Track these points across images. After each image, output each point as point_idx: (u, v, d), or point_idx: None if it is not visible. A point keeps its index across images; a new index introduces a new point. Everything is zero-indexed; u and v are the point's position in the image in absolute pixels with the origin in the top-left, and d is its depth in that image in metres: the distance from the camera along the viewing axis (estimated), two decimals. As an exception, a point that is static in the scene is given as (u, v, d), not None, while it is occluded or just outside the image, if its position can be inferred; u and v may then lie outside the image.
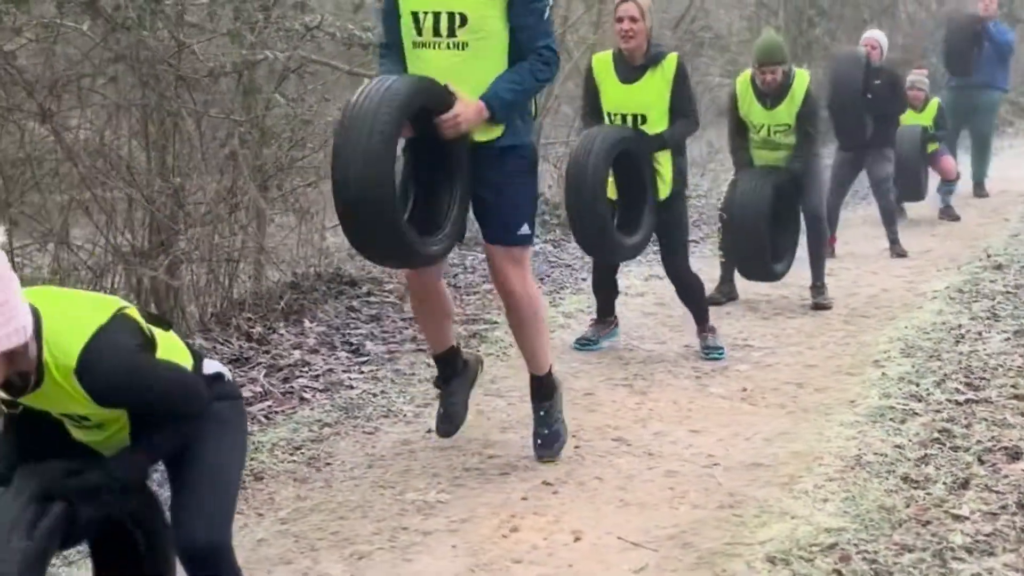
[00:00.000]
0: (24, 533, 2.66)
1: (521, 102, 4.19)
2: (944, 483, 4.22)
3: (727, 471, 4.50)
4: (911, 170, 9.85)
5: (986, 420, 4.82)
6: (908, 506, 4.04)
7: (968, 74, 11.34)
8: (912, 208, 10.44)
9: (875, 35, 9.24)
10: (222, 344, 5.89)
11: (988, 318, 6.52)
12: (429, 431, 4.85)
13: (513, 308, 4.44)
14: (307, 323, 6.39)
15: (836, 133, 8.98)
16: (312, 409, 5.28)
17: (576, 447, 4.78)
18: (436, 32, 4.06)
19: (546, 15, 4.18)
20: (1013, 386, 5.23)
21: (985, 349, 5.87)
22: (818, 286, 7.27)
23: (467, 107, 4.01)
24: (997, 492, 4.12)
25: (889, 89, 8.81)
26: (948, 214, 10.62)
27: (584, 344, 6.25)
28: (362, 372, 5.83)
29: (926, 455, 4.48)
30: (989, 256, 8.35)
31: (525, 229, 4.32)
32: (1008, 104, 16.03)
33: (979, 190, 11.98)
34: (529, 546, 3.92)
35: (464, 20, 4.04)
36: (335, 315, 6.64)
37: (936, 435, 4.68)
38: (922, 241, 9.40)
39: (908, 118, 9.74)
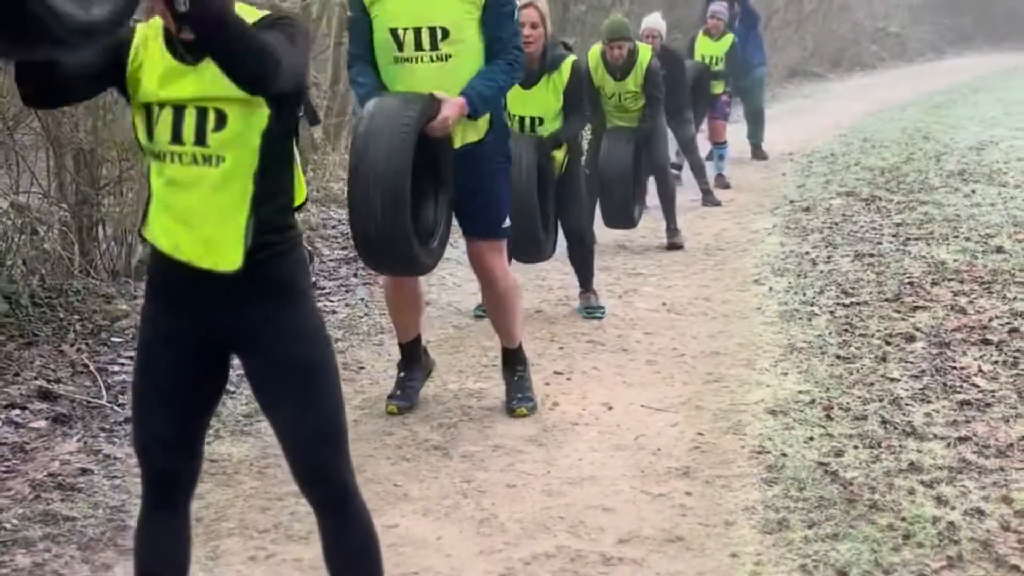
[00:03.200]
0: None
1: (496, 98, 4.43)
2: (869, 359, 5.41)
3: (694, 359, 5.56)
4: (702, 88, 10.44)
5: (873, 316, 6.07)
6: (851, 374, 5.19)
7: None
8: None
9: (653, 24, 9.33)
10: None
11: (827, 246, 7.85)
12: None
13: (495, 293, 4.75)
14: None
15: None
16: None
17: (560, 347, 5.71)
18: (419, 47, 4.26)
19: (515, 19, 4.44)
20: (880, 292, 6.52)
21: (839, 268, 7.17)
22: (672, 228, 8.29)
23: (451, 106, 4.20)
24: (911, 362, 5.34)
25: (675, 73, 9.04)
26: (721, 182, 11.04)
27: None
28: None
29: (844, 340, 5.68)
30: (792, 202, 9.76)
31: (506, 223, 4.65)
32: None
33: (758, 152, 12.80)
34: (575, 414, 4.85)
35: (446, 33, 4.25)
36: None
37: (843, 327, 5.89)
38: (720, 196, 10.62)
39: (703, 46, 10.69)
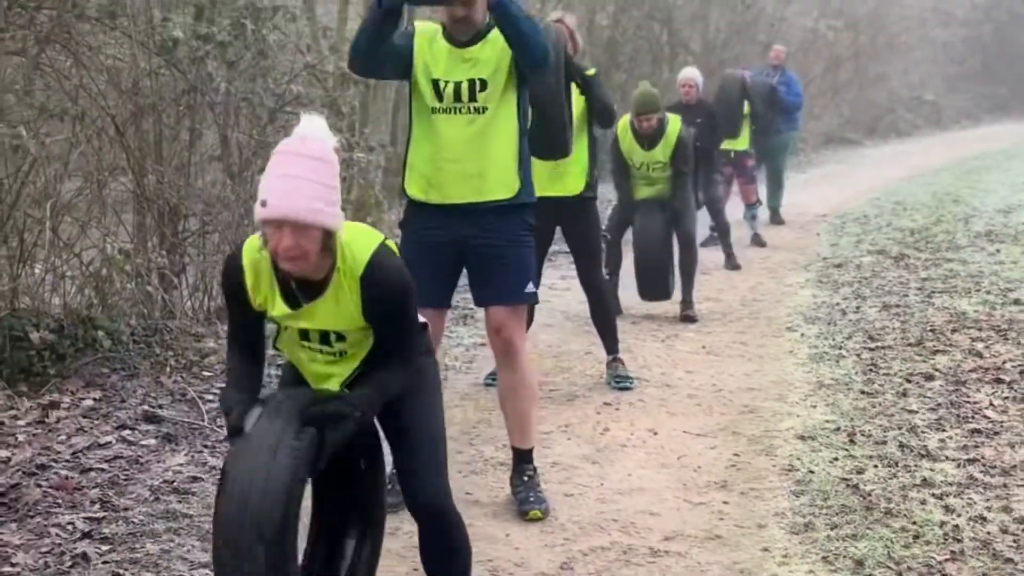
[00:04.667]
0: (287, 451, 2.85)
1: (522, 19, 4.17)
2: (890, 394, 5.95)
3: (731, 393, 6.12)
4: (732, 114, 10.70)
5: (896, 358, 6.62)
6: (874, 407, 5.74)
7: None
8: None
9: (690, 75, 9.73)
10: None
11: (856, 298, 8.41)
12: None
13: (514, 369, 4.53)
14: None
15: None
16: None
17: (606, 381, 6.29)
18: (457, 98, 4.25)
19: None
20: (903, 338, 7.07)
21: (867, 317, 7.73)
22: (688, 301, 8.12)
23: None
24: (929, 397, 5.88)
25: (708, 123, 9.57)
26: (757, 241, 11.57)
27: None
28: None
29: (868, 378, 6.23)
30: (824, 259, 10.33)
31: (530, 287, 4.47)
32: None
33: (775, 216, 13.08)
34: (623, 438, 5.42)
35: (484, 85, 4.26)
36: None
37: (868, 367, 6.44)
38: (755, 253, 11.20)
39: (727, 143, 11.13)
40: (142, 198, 7.42)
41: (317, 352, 3.15)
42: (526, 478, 4.63)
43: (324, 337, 3.10)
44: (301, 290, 3.01)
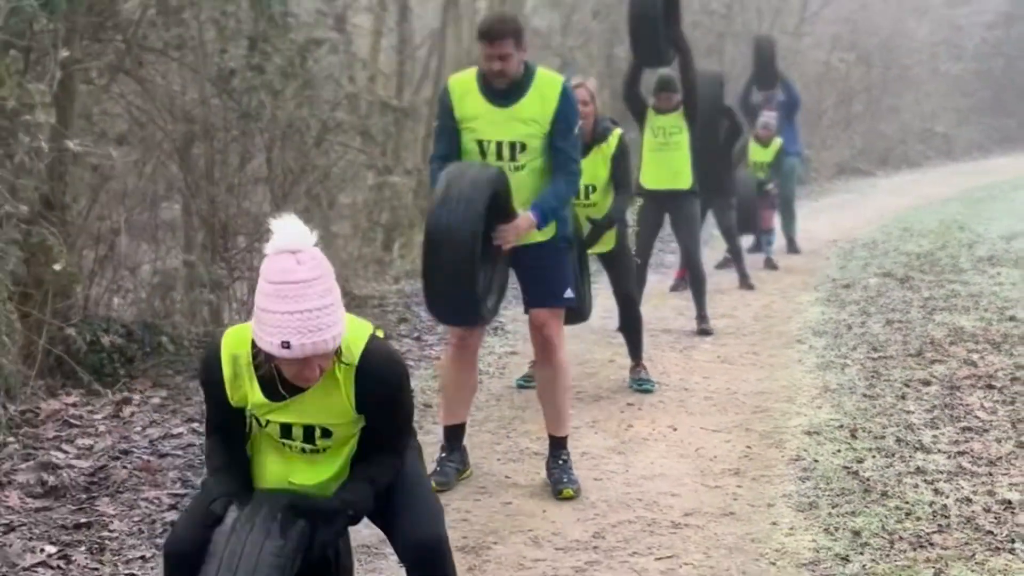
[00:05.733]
0: (278, 535, 2.86)
1: (560, 209, 4.96)
2: (890, 397, 6.49)
3: (744, 396, 6.66)
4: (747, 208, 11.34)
5: (897, 367, 7.16)
6: (875, 408, 6.28)
7: (773, 86, 12.33)
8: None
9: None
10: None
11: (862, 315, 8.96)
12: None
13: (551, 365, 5.11)
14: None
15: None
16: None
17: (628, 384, 6.84)
18: (499, 157, 4.84)
19: (575, 135, 4.94)
20: (904, 350, 7.61)
21: (872, 331, 8.27)
22: (703, 316, 8.59)
23: (523, 219, 4.80)
24: (925, 400, 6.42)
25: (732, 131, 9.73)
26: (769, 264, 12.00)
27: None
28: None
29: (870, 383, 6.77)
30: (833, 280, 10.88)
31: (568, 293, 5.10)
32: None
33: (792, 246, 13.33)
34: (646, 433, 5.97)
35: (524, 147, 4.85)
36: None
37: (870, 375, 6.98)
38: (768, 275, 11.70)
39: (755, 152, 11.65)
40: (197, 216, 8.02)
41: (299, 451, 3.08)
42: (561, 462, 5.15)
43: (308, 433, 3.03)
44: (285, 384, 2.94)
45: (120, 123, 7.67)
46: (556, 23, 17.33)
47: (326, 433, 3.02)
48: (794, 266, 12.17)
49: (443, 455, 5.21)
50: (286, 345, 2.74)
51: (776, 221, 12.44)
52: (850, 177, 24.02)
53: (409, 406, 3.16)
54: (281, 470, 3.11)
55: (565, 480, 5.07)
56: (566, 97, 4.88)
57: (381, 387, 2.96)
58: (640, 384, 6.86)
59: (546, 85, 4.88)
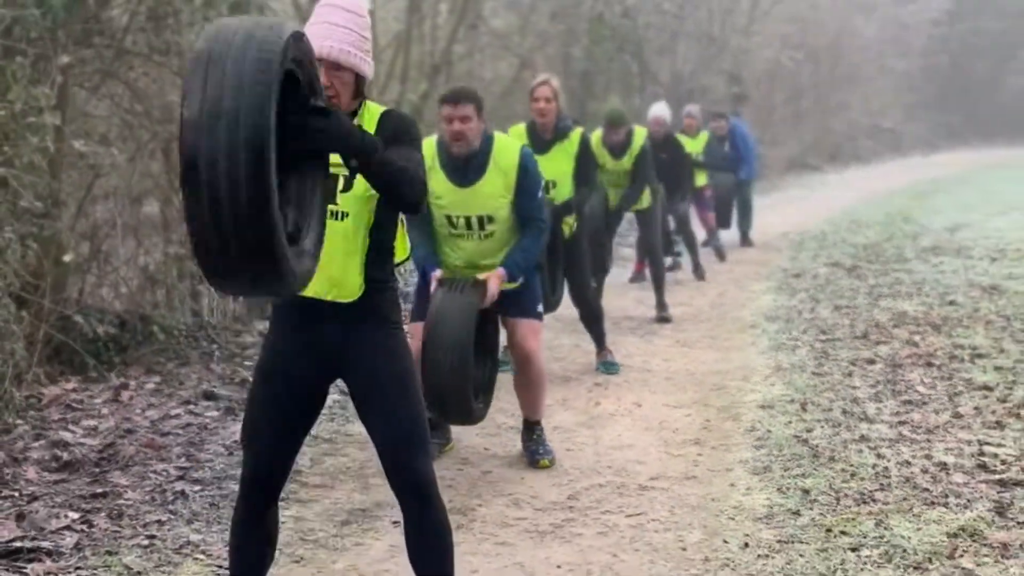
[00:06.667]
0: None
1: (529, 263, 5.30)
2: (838, 374, 7.00)
3: (702, 375, 7.16)
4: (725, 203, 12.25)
5: (844, 348, 7.67)
6: (823, 384, 6.78)
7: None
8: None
9: (659, 112, 10.24)
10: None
11: (811, 301, 9.49)
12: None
13: (529, 371, 5.48)
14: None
15: None
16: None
17: (595, 369, 7.31)
18: (468, 227, 5.23)
19: (539, 196, 5.28)
20: (851, 332, 8.13)
21: (821, 316, 8.80)
22: (661, 303, 9.11)
23: (494, 281, 5.11)
24: (870, 376, 6.93)
25: (676, 157, 10.21)
26: (719, 254, 12.48)
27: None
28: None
29: (819, 363, 7.28)
30: (784, 270, 11.41)
31: (540, 308, 5.53)
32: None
33: (746, 239, 14.00)
34: (613, 409, 6.44)
35: (491, 219, 5.21)
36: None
37: (819, 355, 7.49)
38: (720, 267, 12.23)
39: (686, 144, 11.87)
40: (178, 213, 8.37)
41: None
42: (535, 436, 5.61)
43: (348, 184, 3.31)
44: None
45: (108, 124, 8.02)
46: (514, 24, 17.79)
47: (348, 184, 3.29)
48: (746, 257, 12.72)
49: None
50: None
51: (729, 219, 12.89)
52: (800, 172, 24.70)
53: (418, 156, 3.28)
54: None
55: (541, 451, 5.52)
56: (524, 166, 5.16)
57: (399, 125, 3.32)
58: (607, 367, 7.32)
59: (503, 157, 5.14)
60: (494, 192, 5.15)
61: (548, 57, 17.68)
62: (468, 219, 5.20)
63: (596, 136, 8.62)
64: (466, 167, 5.13)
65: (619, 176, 8.64)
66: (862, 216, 16.05)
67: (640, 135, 8.62)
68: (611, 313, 9.03)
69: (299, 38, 2.68)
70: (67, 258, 5.59)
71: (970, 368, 7.02)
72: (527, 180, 5.18)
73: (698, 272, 11.28)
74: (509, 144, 5.22)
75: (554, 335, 8.30)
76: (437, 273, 5.24)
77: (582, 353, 7.75)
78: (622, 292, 10.16)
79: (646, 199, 8.74)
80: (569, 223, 6.83)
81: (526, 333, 5.42)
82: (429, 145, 5.14)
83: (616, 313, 9.18)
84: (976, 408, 6.19)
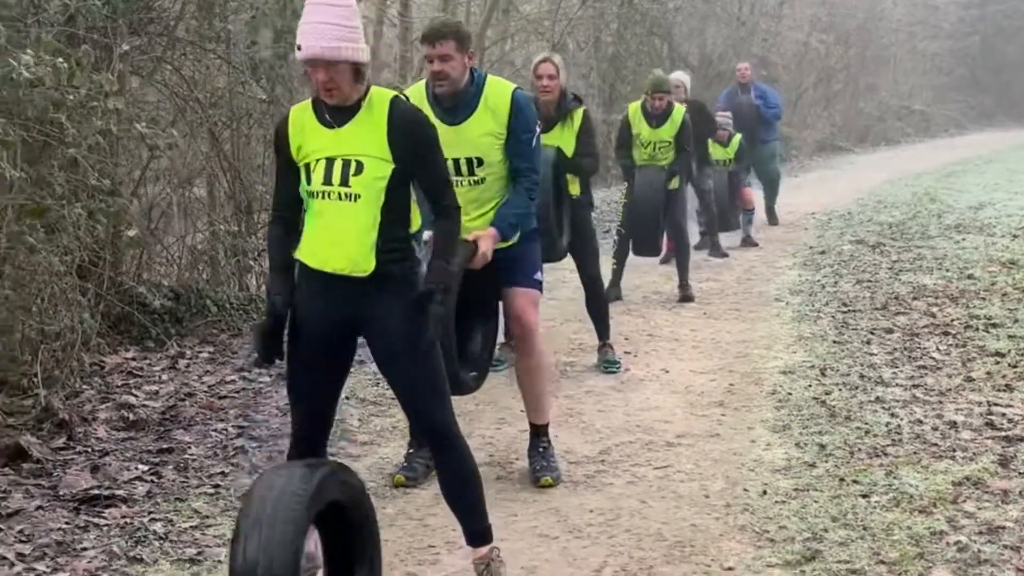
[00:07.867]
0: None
1: (521, 221, 4.84)
2: (857, 342, 7.33)
3: (728, 344, 7.51)
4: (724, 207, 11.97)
5: (864, 319, 8.01)
6: (843, 351, 7.12)
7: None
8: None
9: (678, 76, 10.62)
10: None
11: (834, 276, 9.82)
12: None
13: (527, 348, 5.05)
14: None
15: None
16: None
17: (625, 338, 7.67)
18: (458, 171, 4.73)
19: (533, 146, 4.84)
20: (872, 304, 8.46)
21: (843, 290, 9.13)
22: (684, 284, 9.22)
23: (486, 241, 4.58)
24: (887, 344, 7.27)
25: (698, 115, 10.18)
26: (748, 242, 12.41)
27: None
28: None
29: (840, 332, 7.62)
30: (810, 248, 11.73)
31: (539, 275, 5.03)
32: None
33: (771, 217, 14.19)
34: (642, 375, 6.81)
35: (481, 161, 4.78)
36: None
37: (840, 325, 7.83)
38: (746, 252, 12.40)
39: (716, 152, 11.93)
40: (225, 194, 8.80)
41: (336, 199, 3.54)
42: (541, 449, 5.16)
43: (344, 174, 3.53)
44: (332, 112, 3.53)
45: (158, 109, 8.43)
46: (545, 9, 18.12)
47: (359, 168, 3.51)
48: (774, 236, 13.01)
49: (411, 451, 5.21)
50: (299, 48, 3.41)
51: (757, 198, 13.11)
52: (830, 154, 24.91)
53: (437, 155, 3.67)
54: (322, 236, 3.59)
55: (545, 467, 5.09)
56: (517, 106, 4.79)
57: (413, 127, 3.56)
58: (607, 366, 6.97)
59: (495, 97, 4.79)
60: (483, 131, 4.77)
61: (578, 41, 17.99)
62: (457, 161, 4.71)
63: (633, 106, 8.90)
64: (455, 107, 4.78)
65: (654, 147, 8.76)
66: (889, 196, 16.31)
67: (680, 110, 8.81)
68: (641, 288, 9.41)
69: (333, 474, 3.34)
70: (131, 233, 6.00)
71: (984, 336, 7.33)
72: (518, 121, 4.78)
73: (716, 251, 11.37)
74: (502, 84, 4.87)
75: (580, 308, 8.64)
76: (426, 235, 4.89)
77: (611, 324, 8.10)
78: (650, 269, 10.49)
79: (675, 180, 8.98)
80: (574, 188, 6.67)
81: (524, 304, 4.96)
82: (418, 88, 4.90)
83: (646, 288, 9.53)
84: (988, 373, 6.51)
